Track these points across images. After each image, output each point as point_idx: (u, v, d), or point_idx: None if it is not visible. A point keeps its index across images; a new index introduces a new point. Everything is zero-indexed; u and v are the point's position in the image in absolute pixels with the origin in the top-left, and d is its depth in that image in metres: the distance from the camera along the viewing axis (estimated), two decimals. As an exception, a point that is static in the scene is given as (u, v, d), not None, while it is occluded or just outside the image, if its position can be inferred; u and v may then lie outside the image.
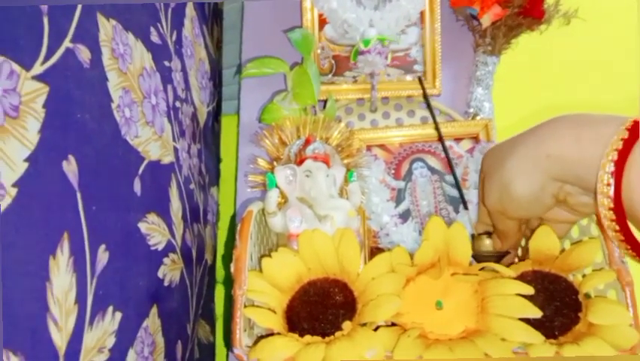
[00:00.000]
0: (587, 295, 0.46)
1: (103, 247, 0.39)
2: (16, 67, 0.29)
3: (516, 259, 0.55)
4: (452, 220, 0.60)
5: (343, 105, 0.69)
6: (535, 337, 0.41)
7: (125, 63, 0.45)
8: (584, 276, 0.47)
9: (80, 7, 0.37)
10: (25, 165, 0.30)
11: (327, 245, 0.46)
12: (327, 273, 0.46)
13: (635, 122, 0.39)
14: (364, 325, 0.42)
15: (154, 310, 0.50)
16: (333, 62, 0.69)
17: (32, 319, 0.30)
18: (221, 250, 0.83)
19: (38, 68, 0.32)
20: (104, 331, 0.39)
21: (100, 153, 0.40)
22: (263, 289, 0.44)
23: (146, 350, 0.47)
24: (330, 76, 0.69)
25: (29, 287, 0.30)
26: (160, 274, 0.53)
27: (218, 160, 0.87)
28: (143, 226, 0.48)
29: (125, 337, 0.43)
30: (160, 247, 0.52)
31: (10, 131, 0.28)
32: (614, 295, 0.45)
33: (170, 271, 0.56)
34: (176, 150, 0.60)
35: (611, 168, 0.39)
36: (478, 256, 0.53)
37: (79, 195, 0.36)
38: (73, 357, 0.34)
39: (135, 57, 0.48)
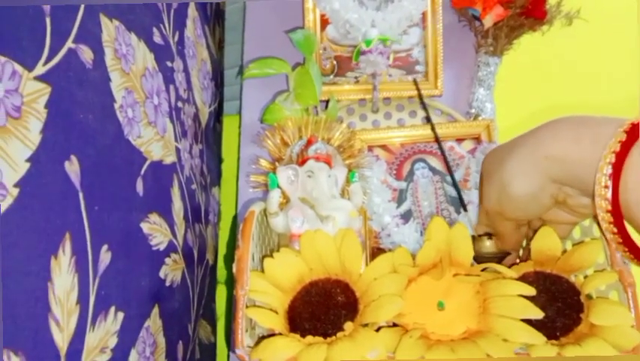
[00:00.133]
0: (589, 296, 0.46)
1: (105, 247, 0.39)
2: (18, 67, 0.29)
3: (517, 260, 0.55)
4: (453, 221, 0.60)
5: (345, 106, 0.69)
6: (537, 338, 0.41)
7: (128, 63, 0.45)
8: (585, 277, 0.46)
9: (82, 7, 0.37)
10: (27, 165, 0.30)
11: (328, 246, 0.46)
12: (328, 273, 0.46)
13: (633, 125, 0.39)
14: (366, 325, 0.42)
15: (155, 310, 0.50)
16: (334, 62, 0.69)
17: (34, 319, 0.30)
18: (222, 251, 0.83)
19: (40, 69, 0.32)
20: (106, 331, 0.39)
21: (102, 153, 0.39)
22: (265, 290, 0.44)
23: (148, 350, 0.48)
24: (331, 76, 0.69)
25: (31, 287, 0.30)
26: (162, 275, 0.53)
27: (220, 160, 0.87)
28: (145, 226, 0.48)
29: (128, 337, 0.43)
30: (162, 247, 0.52)
31: (12, 132, 0.28)
32: (616, 296, 0.45)
33: (172, 271, 0.56)
34: (178, 150, 0.60)
35: (608, 170, 0.39)
36: (478, 258, 0.53)
37: (81, 196, 0.36)
38: (75, 357, 0.34)
39: (138, 57, 0.48)
